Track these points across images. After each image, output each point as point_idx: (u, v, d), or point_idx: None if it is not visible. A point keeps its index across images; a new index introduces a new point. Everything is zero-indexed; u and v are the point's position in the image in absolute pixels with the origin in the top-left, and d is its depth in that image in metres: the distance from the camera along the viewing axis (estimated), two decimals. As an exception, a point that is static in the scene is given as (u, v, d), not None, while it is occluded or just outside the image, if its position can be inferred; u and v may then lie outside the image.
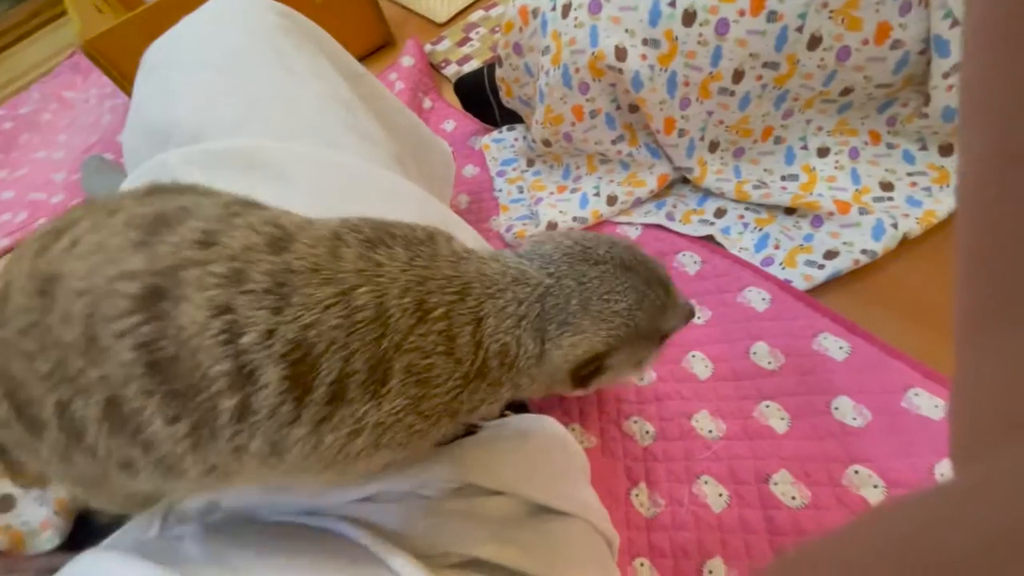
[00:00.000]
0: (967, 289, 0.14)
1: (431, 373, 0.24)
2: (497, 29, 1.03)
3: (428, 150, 0.63)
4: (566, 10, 0.57)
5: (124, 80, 0.91)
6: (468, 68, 0.99)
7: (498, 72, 0.71)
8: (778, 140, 0.63)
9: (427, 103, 0.95)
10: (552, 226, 0.67)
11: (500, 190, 0.77)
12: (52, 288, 0.22)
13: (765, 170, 0.63)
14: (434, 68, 1.03)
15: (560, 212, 0.67)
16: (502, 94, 0.74)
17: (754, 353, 0.54)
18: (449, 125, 0.92)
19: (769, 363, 0.53)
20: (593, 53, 0.56)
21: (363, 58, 1.14)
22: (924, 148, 0.58)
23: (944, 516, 0.10)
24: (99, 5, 1.08)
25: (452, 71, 1.00)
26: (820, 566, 0.12)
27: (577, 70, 0.59)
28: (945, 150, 0.57)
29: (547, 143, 0.69)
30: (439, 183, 0.67)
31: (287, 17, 0.51)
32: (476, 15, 1.09)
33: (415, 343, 0.23)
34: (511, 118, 0.82)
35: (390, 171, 0.45)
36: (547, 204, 0.69)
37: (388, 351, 0.23)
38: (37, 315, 0.22)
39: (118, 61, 0.90)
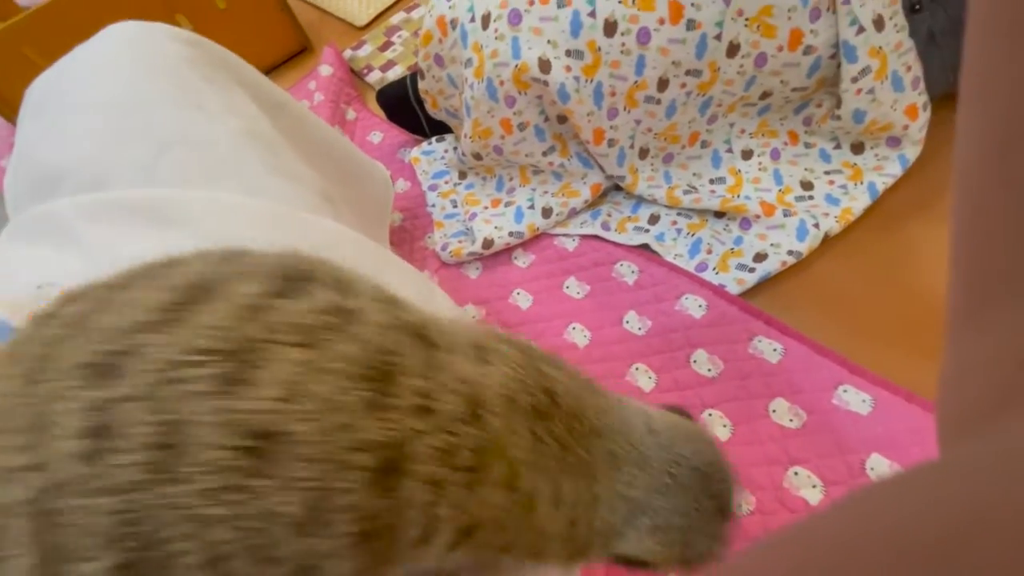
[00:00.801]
0: (963, 273, 0.14)
1: None
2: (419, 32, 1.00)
3: (363, 177, 0.60)
4: (485, 21, 0.55)
5: (2, 103, 0.81)
6: (392, 74, 0.95)
7: (421, 84, 0.67)
8: (704, 144, 0.64)
9: (350, 114, 0.91)
10: (488, 243, 0.65)
11: (433, 205, 0.75)
12: (268, 446, 0.17)
13: (694, 174, 0.64)
14: (355, 75, 0.98)
15: (496, 228, 0.66)
16: (428, 106, 0.71)
17: (694, 361, 0.55)
18: (376, 137, 0.87)
19: (709, 370, 0.54)
20: (516, 66, 0.55)
21: (278, 66, 1.07)
22: (838, 147, 0.60)
23: (920, 497, 0.10)
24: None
25: (376, 78, 0.95)
26: (804, 552, 0.11)
27: (502, 83, 0.57)
28: (856, 148, 0.59)
29: (477, 156, 0.67)
30: (377, 208, 0.64)
31: (193, 46, 0.46)
32: (397, 17, 1.05)
33: None
34: (439, 128, 0.79)
35: (319, 213, 0.42)
36: (482, 220, 0.67)
37: None
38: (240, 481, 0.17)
39: (-12, 80, 0.79)
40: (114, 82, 0.41)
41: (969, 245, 0.14)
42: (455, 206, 0.73)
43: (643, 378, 0.56)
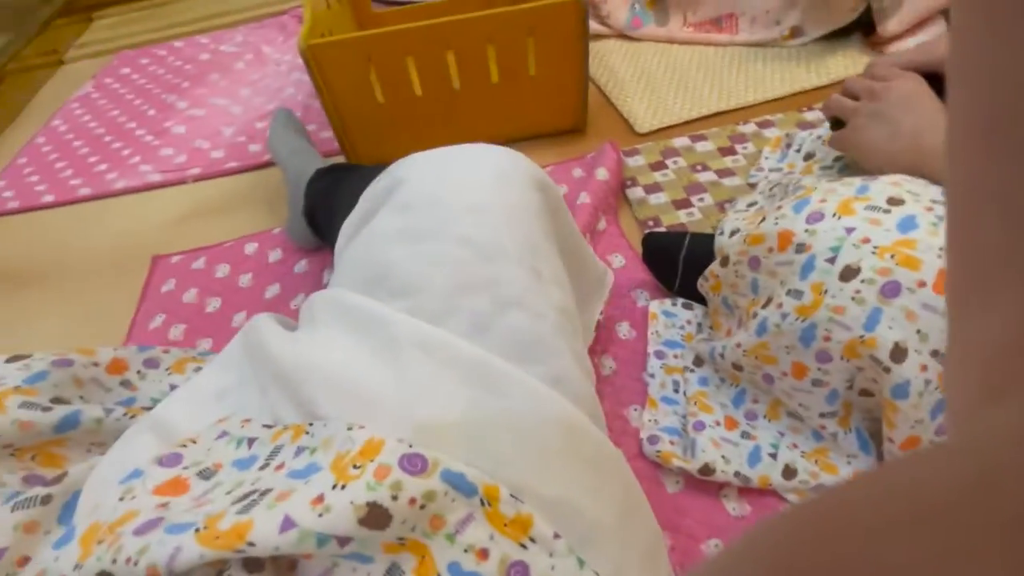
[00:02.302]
0: (959, 255, 0.14)
1: None
2: (699, 167, 0.94)
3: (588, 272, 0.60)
4: (848, 274, 0.46)
5: (325, 88, 0.90)
6: (654, 199, 0.90)
7: (717, 269, 0.61)
8: None
9: (602, 224, 0.87)
10: (707, 471, 0.56)
11: (653, 375, 0.67)
12: None
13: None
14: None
15: (723, 458, 0.56)
16: (707, 285, 0.64)
17: None
18: (617, 260, 0.83)
19: None
20: (862, 338, 0.45)
21: (548, 135, 1.08)
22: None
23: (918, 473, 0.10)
24: (329, 1, 1.09)
25: (636, 196, 0.92)
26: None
27: (827, 339, 0.48)
28: None
29: (738, 368, 0.59)
30: (595, 300, 0.63)
31: (542, 191, 0.45)
32: (680, 142, 1.01)
33: None
34: (691, 293, 0.72)
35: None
36: (708, 438, 0.58)
37: None
38: None
39: (328, 72, 0.88)
40: (481, 223, 0.41)
41: (963, 226, 0.14)
42: (677, 392, 0.65)
43: None
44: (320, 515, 0.28)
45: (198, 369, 0.57)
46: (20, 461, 0.42)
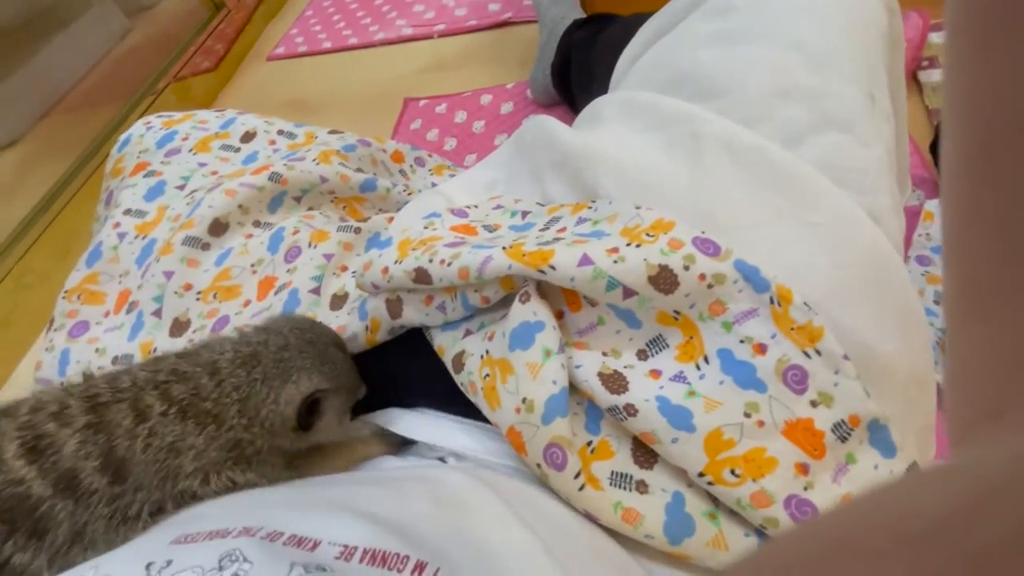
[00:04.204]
0: (956, 274, 0.14)
1: None
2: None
3: None
4: None
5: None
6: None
7: None
8: None
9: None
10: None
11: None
12: None
13: None
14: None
15: None
16: None
17: None
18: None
19: None
20: None
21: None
22: None
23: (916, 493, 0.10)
24: None
25: (933, 79, 0.74)
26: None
27: None
28: None
29: None
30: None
31: (891, 15, 0.39)
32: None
33: None
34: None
35: None
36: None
37: None
38: None
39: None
40: (818, 27, 0.36)
41: (959, 245, 0.14)
42: (937, 303, 0.56)
43: None
44: (615, 262, 0.31)
45: (453, 175, 0.64)
46: (336, 208, 0.53)
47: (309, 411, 0.33)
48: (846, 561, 0.09)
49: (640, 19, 0.51)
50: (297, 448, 0.34)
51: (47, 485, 0.27)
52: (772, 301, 0.30)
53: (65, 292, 0.48)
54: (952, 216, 0.14)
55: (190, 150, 0.55)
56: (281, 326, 0.35)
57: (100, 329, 0.47)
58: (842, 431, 0.29)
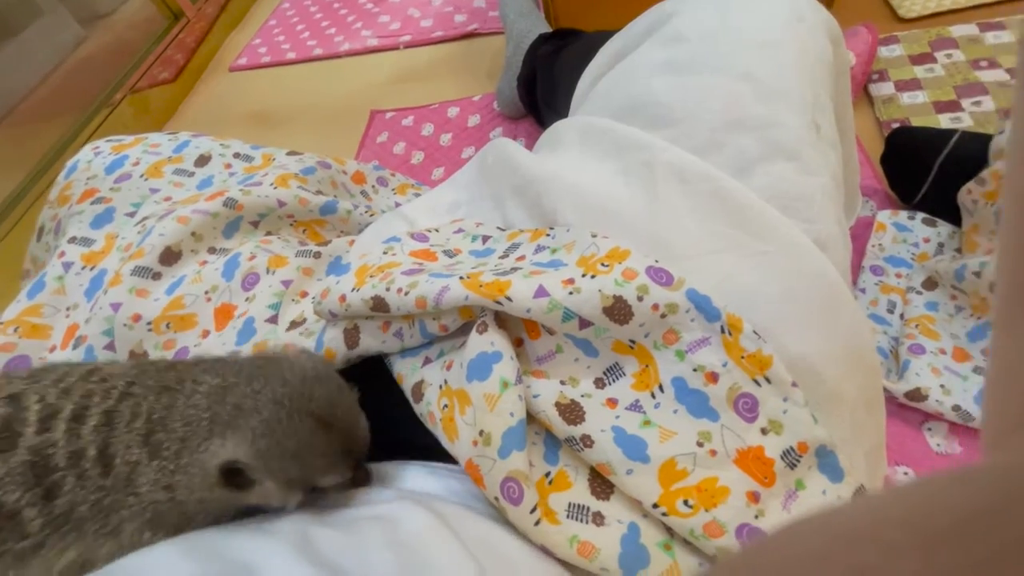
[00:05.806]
0: (1006, 282, 0.15)
1: None
2: (984, 63, 0.75)
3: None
4: None
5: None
6: (908, 98, 0.75)
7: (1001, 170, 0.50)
8: None
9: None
10: (918, 396, 0.50)
11: (864, 291, 0.60)
12: None
13: None
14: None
15: (942, 387, 0.50)
16: (978, 192, 0.54)
17: None
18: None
19: None
20: None
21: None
22: None
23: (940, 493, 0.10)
24: None
25: (883, 92, 0.77)
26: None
27: None
28: None
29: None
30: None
31: (837, 46, 0.41)
32: (961, 30, 0.80)
33: None
34: (935, 205, 0.61)
35: None
36: (927, 364, 0.51)
37: None
38: None
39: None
40: (769, 59, 0.37)
41: (1013, 254, 0.14)
42: (891, 311, 0.58)
43: None
44: (570, 293, 0.31)
45: (417, 195, 0.64)
46: (295, 231, 0.52)
47: (233, 476, 0.29)
48: (859, 552, 0.09)
49: (603, 36, 0.51)
50: (237, 505, 0.31)
51: (65, 456, 0.28)
52: (723, 330, 0.31)
53: (0, 323, 0.46)
54: (1011, 223, 0.15)
55: (141, 175, 0.53)
56: (270, 372, 0.31)
57: None
58: (791, 458, 0.30)
